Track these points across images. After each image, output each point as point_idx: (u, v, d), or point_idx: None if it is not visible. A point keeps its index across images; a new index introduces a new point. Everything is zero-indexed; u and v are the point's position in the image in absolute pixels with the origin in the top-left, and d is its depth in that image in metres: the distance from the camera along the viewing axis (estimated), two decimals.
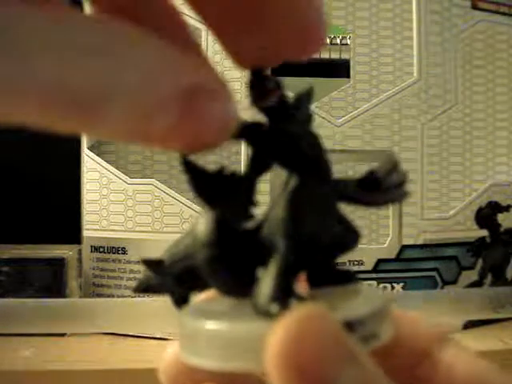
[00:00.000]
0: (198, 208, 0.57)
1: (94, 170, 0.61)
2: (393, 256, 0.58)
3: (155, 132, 0.15)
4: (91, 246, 0.61)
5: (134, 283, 0.59)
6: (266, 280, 0.18)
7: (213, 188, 0.19)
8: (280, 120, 0.18)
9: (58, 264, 0.60)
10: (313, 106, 0.59)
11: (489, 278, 0.62)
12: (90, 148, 0.63)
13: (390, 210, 0.58)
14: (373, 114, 0.58)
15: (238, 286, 0.18)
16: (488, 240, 0.62)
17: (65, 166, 0.71)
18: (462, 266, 0.60)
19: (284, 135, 0.18)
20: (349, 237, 0.19)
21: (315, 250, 0.18)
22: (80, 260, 0.63)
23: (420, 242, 0.58)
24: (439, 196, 0.65)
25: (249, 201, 0.18)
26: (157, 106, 0.15)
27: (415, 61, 0.58)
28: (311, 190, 0.18)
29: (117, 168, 0.61)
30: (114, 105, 0.14)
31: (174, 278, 0.19)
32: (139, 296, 0.59)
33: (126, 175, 0.60)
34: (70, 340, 0.57)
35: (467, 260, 0.61)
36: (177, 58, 0.16)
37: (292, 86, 0.65)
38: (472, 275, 0.61)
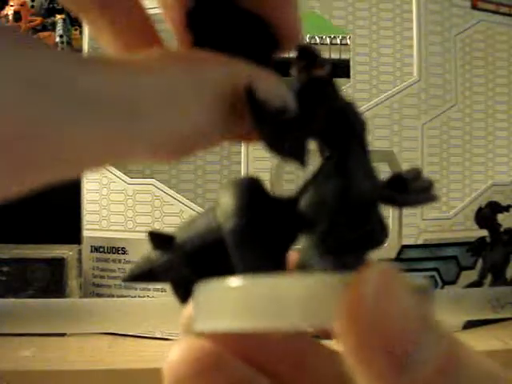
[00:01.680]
0: (197, 208, 0.57)
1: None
2: (393, 256, 0.58)
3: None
4: (91, 246, 0.61)
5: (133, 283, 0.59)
6: (313, 245, 0.16)
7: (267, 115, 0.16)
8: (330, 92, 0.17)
9: (58, 264, 0.60)
10: None
11: (489, 278, 0.62)
12: None
13: (390, 210, 0.58)
14: (373, 114, 0.58)
15: (268, 260, 0.16)
16: (488, 240, 0.62)
17: None
18: (462, 266, 0.60)
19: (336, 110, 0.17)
20: (381, 234, 0.19)
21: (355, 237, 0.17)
22: (80, 260, 0.63)
23: (420, 242, 0.58)
24: (439, 196, 0.65)
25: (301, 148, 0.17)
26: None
27: (415, 61, 0.58)
28: (361, 157, 0.18)
29: (117, 168, 0.61)
30: None
31: (185, 257, 0.17)
32: (139, 296, 0.59)
33: (126, 175, 0.60)
34: (69, 340, 0.57)
35: (467, 260, 0.61)
36: None
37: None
38: (472, 275, 0.61)
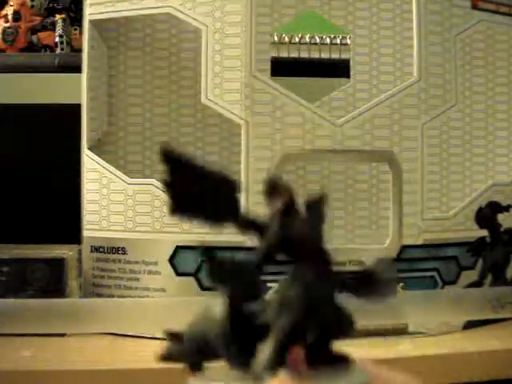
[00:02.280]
0: None
1: (94, 170, 0.61)
2: (393, 256, 0.58)
3: None
4: (91, 246, 0.61)
5: (133, 283, 0.59)
6: (264, 351, 0.21)
7: (226, 275, 0.22)
8: (286, 220, 0.21)
9: (58, 264, 0.60)
10: (313, 106, 0.59)
11: (489, 278, 0.62)
12: (90, 148, 0.63)
13: (390, 210, 0.58)
14: (373, 114, 0.58)
15: (243, 357, 0.21)
16: (488, 240, 0.62)
17: (65, 166, 0.71)
18: (462, 266, 0.60)
19: (288, 234, 0.21)
20: (345, 325, 0.22)
21: (312, 332, 0.21)
22: (80, 260, 0.63)
23: (420, 242, 0.58)
24: (439, 196, 0.65)
25: (257, 286, 0.22)
26: None
27: (415, 61, 0.58)
28: (311, 280, 0.21)
29: (117, 168, 0.61)
30: None
31: (192, 348, 0.23)
32: (139, 296, 0.59)
33: (126, 175, 0.60)
34: (69, 340, 0.57)
35: (467, 260, 0.61)
36: None
37: (292, 86, 0.64)
38: (472, 275, 0.61)
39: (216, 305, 0.23)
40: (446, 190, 0.66)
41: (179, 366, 0.24)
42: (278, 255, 0.21)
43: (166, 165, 0.22)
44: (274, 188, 0.22)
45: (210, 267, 0.22)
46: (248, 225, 0.22)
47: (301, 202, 0.22)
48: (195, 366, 0.24)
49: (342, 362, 0.22)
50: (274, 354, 0.21)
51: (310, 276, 0.21)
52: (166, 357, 0.25)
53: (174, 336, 0.24)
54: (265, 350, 0.21)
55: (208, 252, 0.21)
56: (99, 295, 0.60)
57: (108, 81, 0.68)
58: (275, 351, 0.21)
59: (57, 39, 0.93)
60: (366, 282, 0.22)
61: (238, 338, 0.22)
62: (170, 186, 0.22)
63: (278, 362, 0.21)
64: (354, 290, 0.22)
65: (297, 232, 0.21)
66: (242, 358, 0.22)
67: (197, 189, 0.22)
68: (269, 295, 0.22)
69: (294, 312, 0.21)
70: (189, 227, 0.57)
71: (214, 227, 0.22)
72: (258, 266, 0.22)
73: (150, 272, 0.58)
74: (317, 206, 0.22)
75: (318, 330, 0.21)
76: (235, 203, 0.22)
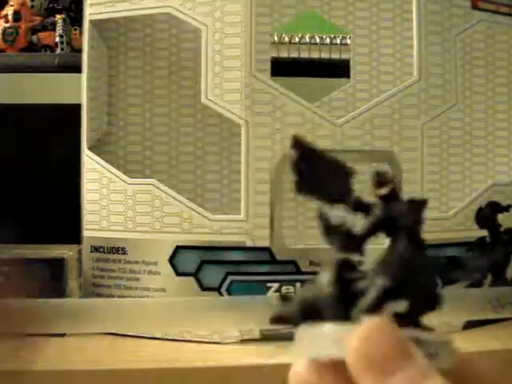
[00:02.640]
0: (197, 208, 0.57)
1: (94, 170, 0.61)
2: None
3: None
4: (91, 246, 0.61)
5: (133, 283, 0.59)
6: (366, 300, 0.24)
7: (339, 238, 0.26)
8: (390, 204, 0.26)
9: (58, 264, 0.60)
10: (313, 106, 0.59)
11: (489, 278, 0.62)
12: (90, 148, 0.63)
13: None
14: (373, 114, 0.58)
15: (347, 312, 0.25)
16: (488, 240, 0.62)
17: (65, 166, 0.71)
18: None
19: (390, 215, 0.25)
20: (432, 299, 0.27)
21: (401, 297, 0.25)
22: (80, 260, 0.63)
23: None
24: (439, 196, 0.65)
25: (361, 253, 0.26)
26: None
27: (415, 61, 0.58)
28: (407, 253, 0.25)
29: (117, 168, 0.61)
30: None
31: (300, 311, 0.26)
32: (139, 296, 0.59)
33: (126, 175, 0.60)
34: (69, 340, 0.57)
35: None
36: None
37: (292, 86, 0.64)
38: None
39: (324, 270, 0.26)
40: (445, 190, 0.66)
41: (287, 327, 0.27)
42: (380, 232, 0.25)
43: (297, 151, 0.26)
44: (381, 178, 0.26)
45: (326, 230, 0.26)
46: (358, 205, 0.26)
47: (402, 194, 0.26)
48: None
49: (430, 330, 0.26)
50: (369, 306, 0.24)
51: (406, 252, 0.25)
52: (277, 318, 0.27)
53: (284, 299, 0.27)
54: (359, 307, 0.24)
55: (324, 215, 0.26)
56: (99, 295, 0.60)
57: (108, 81, 0.68)
58: (371, 305, 0.24)
59: (57, 39, 0.93)
60: (454, 267, 0.25)
61: (341, 300, 0.25)
62: (298, 170, 0.26)
63: (376, 308, 0.24)
64: (446, 272, 0.25)
65: (397, 214, 0.25)
66: (344, 313, 0.25)
67: (318, 173, 0.27)
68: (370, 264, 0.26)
69: (390, 276, 0.25)
70: (189, 227, 0.57)
71: (330, 204, 0.26)
72: (363, 237, 0.26)
73: (150, 272, 0.58)
74: (420, 204, 0.26)
75: (409, 298, 0.25)
76: (349, 186, 0.27)
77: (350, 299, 0.25)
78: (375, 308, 0.24)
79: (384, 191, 0.26)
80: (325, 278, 0.26)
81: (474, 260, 0.61)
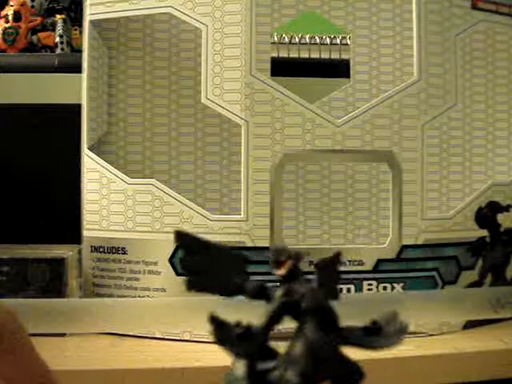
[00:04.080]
0: (197, 208, 0.57)
1: (94, 170, 0.61)
2: (393, 256, 0.58)
3: None
4: (91, 246, 0.61)
5: (133, 283, 0.59)
6: None
7: (234, 340, 0.24)
8: (289, 283, 0.24)
9: (58, 264, 0.60)
10: (313, 106, 0.59)
11: (489, 278, 0.62)
12: (90, 148, 0.63)
13: (390, 210, 0.58)
14: (373, 114, 0.58)
15: None
16: (488, 240, 0.62)
17: (65, 166, 0.71)
18: (462, 266, 0.60)
19: (290, 295, 0.24)
20: (350, 376, 0.24)
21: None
22: (80, 260, 0.63)
23: (420, 242, 0.58)
24: (439, 196, 0.65)
25: (266, 348, 0.24)
26: None
27: (415, 61, 0.58)
28: (313, 339, 0.23)
29: (117, 168, 0.61)
30: None
31: None
32: (139, 296, 0.59)
33: (126, 175, 0.60)
34: (69, 340, 0.57)
35: (467, 260, 0.61)
36: None
37: (292, 86, 0.64)
38: (472, 275, 0.61)
39: (239, 367, 0.25)
40: (445, 190, 0.67)
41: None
42: (284, 318, 0.24)
43: (182, 247, 0.25)
44: (278, 255, 0.25)
45: (219, 335, 0.25)
46: (256, 293, 0.25)
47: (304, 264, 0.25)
48: None
49: None
50: None
51: (313, 333, 0.23)
52: None
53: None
54: None
55: (215, 319, 0.24)
56: (99, 295, 0.60)
57: (108, 81, 0.68)
58: None
59: (57, 39, 0.93)
60: (373, 334, 0.24)
61: None
62: (188, 267, 0.25)
63: None
64: (361, 341, 0.24)
65: (299, 296, 0.24)
66: None
67: (209, 265, 0.25)
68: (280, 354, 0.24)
69: (300, 366, 0.23)
70: (189, 227, 0.57)
71: (226, 297, 0.25)
72: (266, 328, 0.24)
73: (150, 272, 0.58)
74: (330, 265, 0.25)
75: (324, 380, 0.23)
76: (243, 275, 0.25)
77: None
78: None
79: (283, 271, 0.25)
80: (240, 370, 0.25)
81: (473, 260, 0.61)
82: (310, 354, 0.23)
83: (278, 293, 0.24)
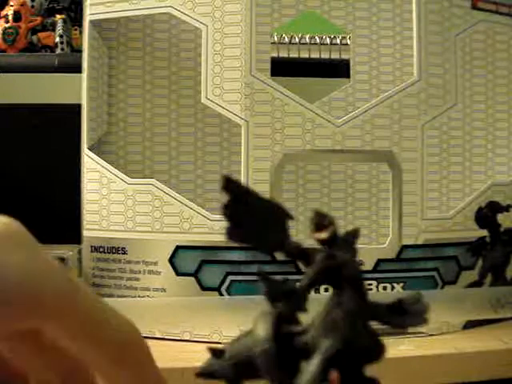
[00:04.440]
0: (197, 208, 0.57)
1: (94, 170, 0.61)
2: (393, 256, 0.58)
3: None
4: (91, 246, 0.61)
5: (133, 283, 0.59)
6: (308, 370, 0.23)
7: (279, 294, 0.24)
8: (331, 251, 0.24)
9: None
10: (313, 107, 0.59)
11: (489, 278, 0.62)
12: (90, 148, 0.63)
13: (390, 210, 0.58)
14: (373, 114, 0.58)
15: (285, 375, 0.23)
16: (488, 240, 0.62)
17: (65, 166, 0.71)
18: (462, 266, 0.60)
19: (332, 262, 0.24)
20: (376, 350, 0.24)
21: (349, 356, 0.23)
22: (80, 260, 0.63)
23: (420, 242, 0.58)
24: (439, 196, 0.65)
25: (300, 308, 0.24)
26: None
27: (415, 61, 0.58)
28: (353, 307, 0.23)
29: (117, 168, 0.61)
30: None
31: (233, 366, 0.24)
32: (139, 296, 0.59)
33: (126, 175, 0.60)
34: None
35: (467, 260, 0.61)
36: None
37: (292, 86, 0.64)
38: (472, 275, 0.61)
39: (261, 322, 0.24)
40: (445, 190, 0.67)
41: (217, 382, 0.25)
42: (323, 282, 0.24)
43: (228, 194, 0.24)
44: (320, 220, 0.24)
45: (267, 286, 0.24)
46: (296, 253, 0.24)
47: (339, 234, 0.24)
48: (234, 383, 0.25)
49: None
50: (317, 375, 0.22)
51: (352, 303, 0.23)
52: (205, 372, 0.25)
53: (215, 352, 0.25)
54: (307, 371, 0.23)
55: (263, 274, 0.24)
56: (99, 295, 0.60)
57: (108, 81, 0.68)
58: (317, 372, 0.22)
59: (57, 39, 0.93)
60: (398, 312, 0.24)
61: (280, 356, 0.23)
62: (230, 214, 0.24)
63: (322, 379, 0.22)
64: (388, 318, 0.24)
65: (340, 262, 0.24)
66: (282, 376, 0.23)
67: (253, 218, 0.24)
68: (311, 318, 0.24)
69: (338, 337, 0.23)
70: (189, 227, 0.57)
71: (266, 253, 0.25)
72: (305, 290, 0.24)
73: (150, 272, 0.58)
74: (351, 239, 0.24)
75: (355, 354, 0.23)
76: (287, 232, 0.24)
77: (289, 357, 0.23)
78: (324, 372, 0.23)
79: (324, 235, 0.24)
80: (261, 331, 0.24)
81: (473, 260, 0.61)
82: (351, 321, 0.23)
83: (320, 256, 0.24)
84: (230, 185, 0.24)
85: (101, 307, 0.27)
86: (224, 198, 0.23)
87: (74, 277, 0.25)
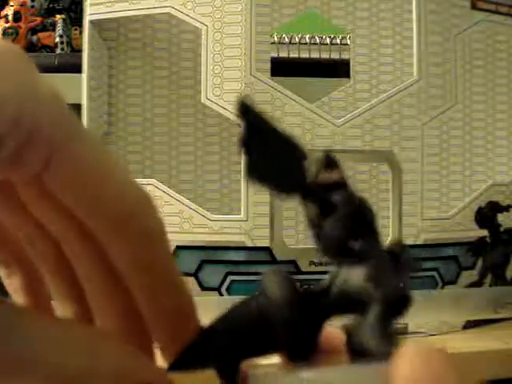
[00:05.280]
0: (197, 208, 0.57)
1: None
2: None
3: None
4: None
5: None
6: (368, 326, 0.19)
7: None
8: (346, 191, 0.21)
9: None
10: (313, 106, 0.59)
11: (489, 278, 0.62)
12: None
13: (390, 210, 0.58)
14: (373, 114, 0.58)
15: (308, 345, 0.19)
16: (488, 240, 0.62)
17: None
18: (462, 266, 0.60)
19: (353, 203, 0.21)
20: (408, 301, 0.21)
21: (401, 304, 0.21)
22: None
23: (420, 242, 0.58)
24: (439, 196, 0.65)
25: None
26: None
27: (415, 61, 0.58)
28: (383, 254, 0.21)
29: None
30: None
31: (230, 343, 0.20)
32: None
33: None
34: None
35: (467, 260, 0.61)
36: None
37: (292, 86, 0.64)
38: (472, 275, 0.61)
39: (273, 284, 0.20)
40: (445, 190, 0.66)
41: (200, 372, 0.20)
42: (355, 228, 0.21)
43: (245, 121, 0.21)
44: (331, 160, 0.22)
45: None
46: (313, 194, 0.22)
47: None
48: (227, 369, 0.20)
49: None
50: (382, 327, 0.20)
51: (383, 251, 0.21)
52: (182, 363, 0.20)
53: (208, 333, 0.20)
54: (366, 324, 0.19)
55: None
56: None
57: (108, 81, 0.68)
58: (382, 325, 0.20)
59: (57, 39, 0.93)
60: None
61: (307, 324, 0.19)
62: (248, 146, 0.21)
63: (386, 333, 0.20)
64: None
65: (363, 208, 0.21)
66: (306, 346, 0.19)
67: (270, 155, 0.21)
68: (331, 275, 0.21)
69: (390, 285, 0.20)
70: (189, 227, 0.57)
71: (284, 195, 0.22)
72: (346, 239, 0.21)
73: None
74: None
75: (403, 302, 0.21)
76: (303, 172, 0.22)
77: (311, 324, 0.20)
78: (387, 328, 0.20)
79: (336, 176, 0.21)
80: (276, 294, 0.20)
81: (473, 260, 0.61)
82: (392, 268, 0.21)
83: (341, 199, 0.21)
84: (246, 109, 0.21)
85: (107, 161, 0.20)
86: (240, 127, 0.21)
87: (76, 119, 0.20)
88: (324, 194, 0.21)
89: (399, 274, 0.21)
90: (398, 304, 0.20)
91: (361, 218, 0.21)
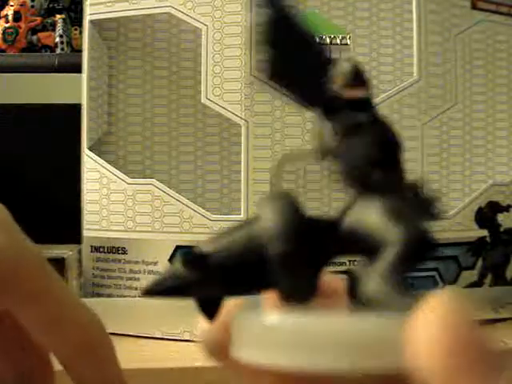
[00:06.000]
0: (197, 208, 0.57)
1: (94, 170, 0.61)
2: None
3: None
4: (91, 246, 0.61)
5: (133, 283, 0.59)
6: (379, 272, 0.16)
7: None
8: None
9: (58, 264, 0.60)
10: None
11: (489, 278, 0.62)
12: (90, 148, 0.63)
13: None
14: None
15: (312, 286, 0.16)
16: (488, 240, 0.62)
17: (65, 165, 0.71)
18: (462, 266, 0.60)
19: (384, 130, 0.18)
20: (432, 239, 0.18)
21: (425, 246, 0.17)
22: (80, 260, 0.63)
23: None
24: (439, 196, 0.65)
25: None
26: None
27: (415, 61, 0.58)
28: (403, 186, 0.18)
29: (117, 168, 0.61)
30: None
31: (221, 276, 0.17)
32: (139, 296, 0.58)
33: (126, 175, 0.60)
34: None
35: (467, 260, 0.61)
36: None
37: None
38: (472, 275, 0.61)
39: (271, 211, 0.16)
40: (445, 190, 0.66)
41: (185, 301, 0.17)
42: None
43: (271, 12, 0.18)
44: (358, 73, 0.19)
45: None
46: (336, 111, 0.19)
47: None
48: (209, 303, 0.17)
49: None
50: (396, 274, 0.17)
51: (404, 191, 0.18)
52: (172, 290, 0.17)
53: (191, 257, 0.17)
54: (379, 267, 0.17)
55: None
56: (99, 295, 0.60)
57: (108, 81, 0.68)
58: (397, 272, 0.17)
59: (57, 39, 0.93)
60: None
61: (307, 259, 0.16)
62: (272, 41, 0.18)
63: (400, 282, 0.17)
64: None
65: (390, 134, 0.19)
66: (308, 286, 0.16)
67: (296, 54, 0.19)
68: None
69: (410, 226, 0.17)
70: (189, 227, 0.57)
71: (302, 105, 0.19)
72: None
73: (150, 272, 0.58)
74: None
75: (429, 245, 0.18)
76: (326, 81, 0.19)
77: (314, 261, 0.17)
78: (404, 268, 0.17)
79: (362, 93, 0.19)
80: (274, 223, 0.16)
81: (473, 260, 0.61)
82: (414, 207, 0.18)
83: (366, 120, 0.18)
84: (274, 2, 0.18)
85: (73, 301, 0.26)
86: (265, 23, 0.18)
87: (50, 268, 0.25)
88: (349, 113, 0.19)
89: (423, 214, 0.18)
90: (420, 246, 0.17)
91: (388, 145, 0.18)
